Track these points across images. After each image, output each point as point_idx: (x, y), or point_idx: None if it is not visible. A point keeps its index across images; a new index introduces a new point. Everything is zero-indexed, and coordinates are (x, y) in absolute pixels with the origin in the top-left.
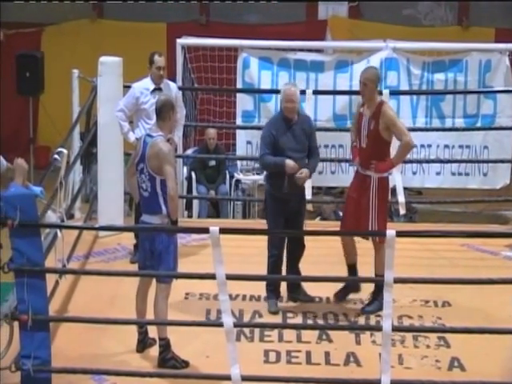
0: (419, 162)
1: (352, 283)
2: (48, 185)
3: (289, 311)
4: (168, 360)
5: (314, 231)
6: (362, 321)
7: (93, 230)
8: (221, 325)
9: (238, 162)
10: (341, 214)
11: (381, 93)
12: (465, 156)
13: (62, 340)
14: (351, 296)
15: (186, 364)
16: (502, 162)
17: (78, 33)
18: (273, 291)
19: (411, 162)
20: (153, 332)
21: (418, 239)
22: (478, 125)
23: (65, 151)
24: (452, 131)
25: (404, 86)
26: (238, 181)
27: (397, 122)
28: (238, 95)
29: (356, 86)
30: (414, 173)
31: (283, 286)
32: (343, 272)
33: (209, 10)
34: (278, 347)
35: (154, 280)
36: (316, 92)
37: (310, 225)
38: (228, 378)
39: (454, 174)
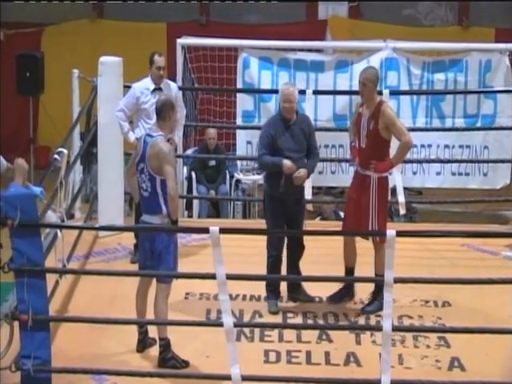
0: (419, 161)
1: (346, 288)
2: (48, 185)
3: (289, 311)
4: (168, 360)
5: (314, 231)
6: (362, 321)
7: (93, 230)
8: (221, 325)
9: (238, 162)
10: (341, 213)
11: (381, 93)
12: (465, 156)
13: (62, 340)
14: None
15: (186, 364)
16: (502, 161)
17: (78, 33)
18: (272, 291)
19: (411, 162)
20: (153, 332)
21: (418, 239)
22: (478, 125)
23: (65, 151)
24: (452, 131)
25: (404, 86)
26: (238, 181)
27: (396, 122)
28: (238, 95)
29: (356, 86)
30: (414, 173)
31: (283, 285)
32: (343, 272)
33: (209, 10)
34: (278, 347)
35: (155, 280)
36: (316, 92)
37: (310, 225)
38: (228, 377)
39: (454, 174)
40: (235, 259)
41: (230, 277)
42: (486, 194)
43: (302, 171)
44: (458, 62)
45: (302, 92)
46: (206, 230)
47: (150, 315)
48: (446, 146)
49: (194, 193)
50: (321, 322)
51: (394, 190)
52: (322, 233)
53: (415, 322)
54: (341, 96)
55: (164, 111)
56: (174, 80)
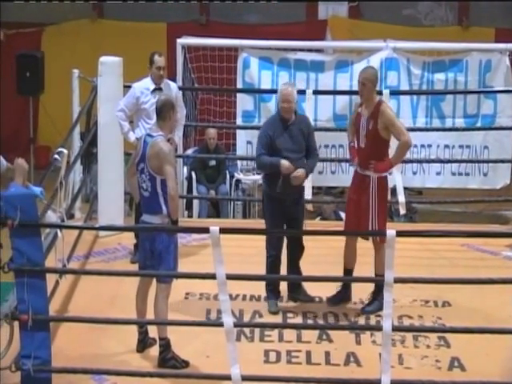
0: (419, 161)
1: (344, 292)
2: (48, 185)
3: (289, 311)
4: (168, 360)
5: (314, 231)
6: (362, 321)
7: (93, 230)
8: (221, 325)
9: (238, 162)
10: (341, 213)
11: (380, 93)
12: (465, 156)
13: (62, 340)
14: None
15: (186, 364)
16: (502, 161)
17: (78, 33)
18: (272, 291)
19: (411, 161)
20: (153, 332)
21: (418, 239)
22: (478, 125)
23: (65, 151)
24: (452, 131)
25: (404, 86)
26: (238, 181)
27: (395, 122)
28: (238, 95)
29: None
30: (415, 173)
31: (283, 285)
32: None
33: (209, 10)
34: (278, 347)
35: (155, 280)
36: (316, 92)
37: (310, 225)
38: (228, 377)
39: (454, 173)
40: (235, 259)
41: (229, 277)
42: (486, 194)
43: (300, 171)
44: (458, 61)
45: (302, 92)
46: (206, 230)
47: (150, 315)
48: (446, 146)
49: (194, 193)
50: (321, 322)
51: (394, 190)
52: (322, 233)
53: (415, 322)
54: (341, 96)
55: (164, 111)
56: (174, 80)
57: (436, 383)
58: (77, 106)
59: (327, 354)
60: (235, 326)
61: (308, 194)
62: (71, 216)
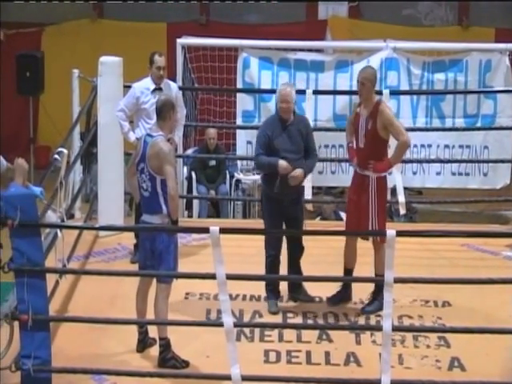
0: (419, 161)
1: (344, 292)
2: (48, 185)
3: (289, 311)
4: (168, 360)
5: (314, 231)
6: (362, 321)
7: (93, 230)
8: (221, 325)
9: (238, 162)
10: (341, 213)
11: (380, 93)
12: (465, 156)
13: (62, 340)
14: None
15: (186, 364)
16: (503, 161)
17: (78, 33)
18: (272, 291)
19: (411, 161)
20: (153, 332)
21: (418, 239)
22: (478, 125)
23: (65, 151)
24: (452, 131)
25: (404, 86)
26: (238, 181)
27: (394, 122)
28: (238, 95)
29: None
30: (415, 173)
31: (283, 285)
32: (343, 272)
33: (209, 10)
34: (278, 347)
35: (155, 280)
36: (316, 92)
37: (310, 225)
38: (228, 377)
39: (454, 173)
40: (235, 259)
41: (229, 277)
42: (486, 194)
43: (298, 171)
44: (458, 62)
45: (302, 92)
46: (206, 230)
47: (150, 315)
48: (446, 146)
49: (194, 193)
50: (321, 322)
51: (394, 190)
52: (322, 233)
53: (415, 322)
54: (341, 96)
55: (164, 111)
56: (174, 80)
57: (436, 383)
58: (77, 106)
59: (327, 354)
60: (235, 326)
61: (308, 194)
62: (71, 216)
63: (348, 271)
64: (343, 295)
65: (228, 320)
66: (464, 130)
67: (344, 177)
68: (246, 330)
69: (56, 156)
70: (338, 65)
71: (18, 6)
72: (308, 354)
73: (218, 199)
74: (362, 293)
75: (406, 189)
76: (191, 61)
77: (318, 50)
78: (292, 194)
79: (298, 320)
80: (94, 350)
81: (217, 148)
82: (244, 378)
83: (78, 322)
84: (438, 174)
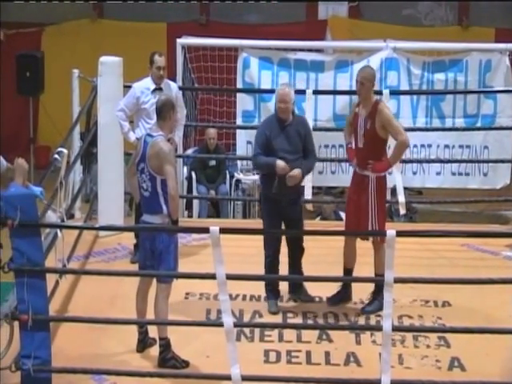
0: (419, 161)
1: (344, 292)
2: (48, 185)
3: (289, 311)
4: (168, 360)
5: (314, 231)
6: (362, 321)
7: (93, 230)
8: (221, 325)
9: (238, 162)
10: (341, 213)
11: (380, 93)
12: (465, 156)
13: (62, 340)
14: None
15: (186, 364)
16: (503, 161)
17: (78, 33)
18: (272, 291)
19: (411, 161)
20: (153, 332)
21: (418, 239)
22: (478, 125)
23: (65, 151)
24: (452, 131)
25: (404, 86)
26: (238, 181)
27: (393, 121)
28: (238, 95)
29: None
30: (415, 173)
31: (282, 285)
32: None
33: (209, 10)
34: (278, 347)
35: (155, 280)
36: (316, 92)
37: (310, 225)
38: (228, 377)
39: (454, 173)
40: (235, 259)
41: (229, 277)
42: (486, 194)
43: (296, 171)
44: (458, 61)
45: (302, 92)
46: (206, 230)
47: (150, 315)
48: (446, 146)
49: (194, 193)
50: (321, 321)
51: (394, 190)
52: (322, 233)
53: (415, 322)
54: (341, 96)
55: (164, 111)
56: (173, 80)
57: (436, 383)
58: (77, 106)
59: (327, 354)
60: (235, 326)
61: (308, 194)
62: (71, 216)
63: (348, 271)
64: (343, 295)
65: (228, 320)
66: (464, 129)
67: (344, 177)
68: (246, 330)
69: (56, 156)
70: (338, 65)
71: (18, 5)
72: (308, 354)
73: (218, 199)
74: (361, 293)
75: (406, 189)
76: (191, 61)
77: (318, 50)
78: (290, 194)
79: (298, 320)
80: (94, 350)
81: (217, 148)
82: (244, 378)
83: (78, 321)
84: (438, 174)
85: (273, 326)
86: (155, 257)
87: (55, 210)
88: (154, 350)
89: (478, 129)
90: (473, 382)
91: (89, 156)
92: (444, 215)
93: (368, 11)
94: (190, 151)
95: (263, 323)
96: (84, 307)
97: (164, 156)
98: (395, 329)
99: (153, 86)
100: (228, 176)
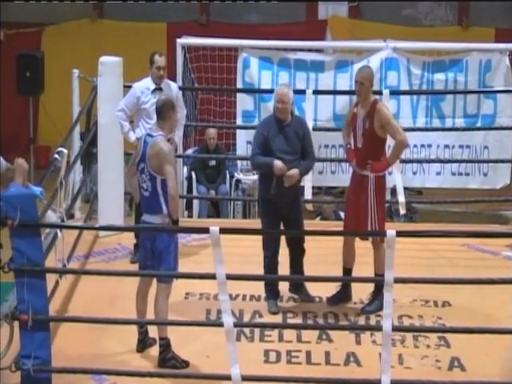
0: (419, 161)
1: (344, 292)
2: (48, 185)
3: (289, 311)
4: (168, 360)
5: (314, 231)
6: (362, 321)
7: (93, 230)
8: (221, 325)
9: (238, 162)
10: (341, 213)
11: (380, 93)
12: (465, 156)
13: (62, 340)
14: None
15: (186, 364)
16: (503, 161)
17: (78, 33)
18: (271, 291)
19: (411, 161)
20: (153, 332)
21: (418, 239)
22: (478, 125)
23: (65, 151)
24: (452, 131)
25: (404, 86)
26: (238, 181)
27: (391, 121)
28: (238, 95)
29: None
30: (415, 173)
31: (282, 285)
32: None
33: (209, 10)
34: (278, 347)
35: (155, 280)
36: (316, 92)
37: (310, 225)
38: (228, 377)
39: (454, 173)
40: (235, 259)
41: (229, 277)
42: (486, 194)
43: (293, 171)
44: (458, 61)
45: (302, 92)
46: (206, 230)
47: (150, 315)
48: (446, 146)
49: (194, 193)
50: (321, 322)
51: (394, 190)
52: (322, 233)
53: (415, 322)
54: (341, 96)
55: (164, 111)
56: (174, 80)
57: (436, 383)
58: (77, 106)
59: (327, 354)
60: (235, 326)
61: (308, 194)
62: (71, 216)
63: (347, 271)
64: (343, 295)
65: (228, 320)
66: (464, 129)
67: (344, 177)
68: (246, 330)
69: (56, 156)
70: (338, 65)
71: (18, 5)
72: (308, 354)
73: (218, 199)
74: (361, 293)
75: (406, 189)
76: (191, 61)
77: (318, 50)
78: (289, 195)
79: (298, 320)
80: (94, 350)
81: (217, 148)
82: (244, 378)
83: (78, 321)
84: (438, 174)
85: (273, 326)
86: (155, 257)
87: (55, 209)
88: (154, 350)
89: (478, 129)
90: (473, 382)
91: (89, 156)
92: (444, 215)
93: (368, 11)
94: (190, 151)
95: (263, 323)
96: (84, 307)
97: (164, 156)
98: (395, 329)
99: (153, 86)
100: (228, 176)
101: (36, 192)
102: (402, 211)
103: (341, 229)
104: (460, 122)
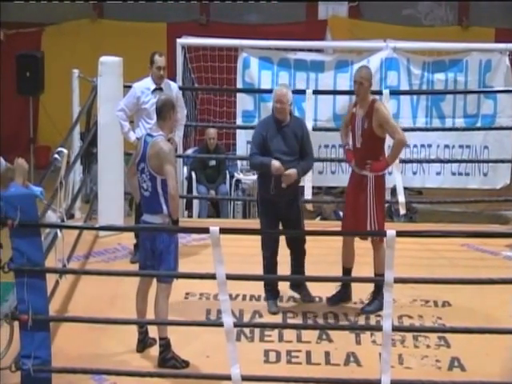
0: (419, 161)
1: (344, 292)
2: (48, 185)
3: (289, 311)
4: (168, 360)
5: (314, 231)
6: (362, 321)
7: (93, 230)
8: (221, 325)
9: (238, 162)
10: (341, 213)
11: (380, 93)
12: (465, 156)
13: (62, 340)
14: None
15: (186, 364)
16: (503, 161)
17: (78, 33)
18: (271, 291)
19: (411, 161)
20: (153, 332)
21: (418, 239)
22: (478, 125)
23: (65, 151)
24: (452, 131)
25: (404, 86)
26: (238, 181)
27: (390, 120)
28: (238, 95)
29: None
30: (415, 173)
31: (282, 285)
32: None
33: (209, 10)
34: (278, 347)
35: (155, 280)
36: (316, 92)
37: (310, 225)
38: (228, 377)
39: (454, 173)
40: (235, 259)
41: (229, 277)
42: (486, 194)
43: (291, 171)
44: (458, 61)
45: (302, 92)
46: (206, 230)
47: (150, 315)
48: (446, 146)
49: (194, 193)
50: (321, 322)
51: (394, 190)
52: (321, 233)
53: (415, 322)
54: (341, 96)
55: (164, 111)
56: (174, 80)
57: (436, 383)
58: (77, 106)
59: (327, 354)
60: (235, 326)
61: (308, 194)
62: (71, 216)
63: (346, 271)
64: (343, 295)
65: (228, 320)
66: (464, 129)
67: (344, 177)
68: (246, 330)
69: (56, 156)
70: (338, 65)
71: (18, 5)
72: (308, 354)
73: (218, 199)
74: (361, 293)
75: (406, 189)
76: (191, 61)
77: (318, 50)
78: (288, 195)
79: (298, 320)
80: (94, 350)
81: (217, 148)
82: (244, 378)
83: (78, 321)
84: (438, 174)
85: (273, 326)
86: (155, 257)
87: (55, 209)
88: (154, 350)
89: (478, 129)
90: (473, 382)
91: (89, 156)
92: (444, 215)
93: (368, 11)
94: (190, 151)
95: (263, 323)
96: (84, 307)
97: (164, 156)
98: (395, 329)
99: (153, 86)
100: (228, 176)
101: (36, 192)
102: (402, 211)
103: (340, 229)
104: (460, 122)
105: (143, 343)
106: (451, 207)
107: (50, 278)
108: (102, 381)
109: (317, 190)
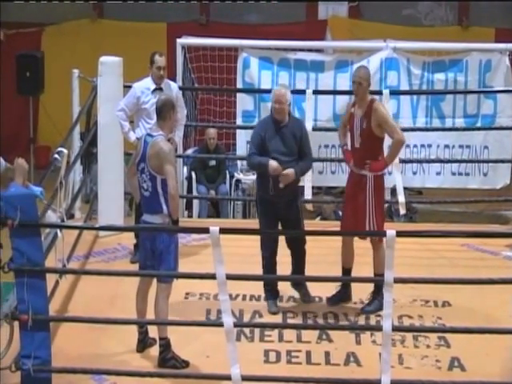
0: (419, 161)
1: (344, 292)
2: (48, 185)
3: (289, 311)
4: (168, 360)
5: (314, 231)
6: (362, 321)
7: (93, 230)
8: (221, 325)
9: (238, 162)
10: (341, 213)
11: (380, 93)
12: (465, 156)
13: (62, 340)
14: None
15: (186, 364)
16: (503, 161)
17: (78, 33)
18: (270, 291)
19: (411, 161)
20: (153, 332)
21: (418, 239)
22: (478, 125)
23: (65, 151)
24: (452, 131)
25: (404, 86)
26: (238, 181)
27: (388, 120)
28: (238, 95)
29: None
30: (415, 173)
31: (282, 285)
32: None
33: (209, 10)
34: (278, 347)
35: (155, 280)
36: (316, 92)
37: (310, 225)
38: (228, 377)
39: (454, 173)
40: (235, 259)
41: (229, 277)
42: (486, 194)
43: (289, 171)
44: (458, 62)
45: (302, 92)
46: (206, 230)
47: (150, 315)
48: (446, 146)
49: (194, 193)
50: (321, 322)
51: (394, 190)
52: (321, 233)
53: (415, 322)
54: (341, 96)
55: (164, 111)
56: (174, 80)
57: (436, 383)
58: (77, 106)
59: (327, 354)
60: (235, 326)
61: (308, 194)
62: (71, 216)
63: (346, 271)
64: (343, 295)
65: (228, 320)
66: (464, 129)
67: (344, 177)
68: (246, 330)
69: (56, 156)
70: (337, 65)
71: (18, 5)
72: (308, 354)
73: (218, 199)
74: (361, 293)
75: (406, 189)
76: (191, 61)
77: (318, 50)
78: (287, 195)
79: (298, 320)
80: (94, 350)
81: (217, 148)
82: (244, 378)
83: (78, 321)
84: (438, 174)
85: (273, 326)
86: (155, 257)
87: (55, 209)
88: (154, 350)
89: (478, 129)
90: (473, 382)
91: (89, 156)
92: (444, 215)
93: (368, 11)
94: (190, 151)
95: (263, 323)
96: (84, 307)
97: (164, 156)
98: (395, 329)
99: (153, 86)
100: (228, 176)
101: (36, 192)
102: (402, 211)
103: (339, 228)
104: (460, 122)
105: (143, 343)
106: (451, 207)
107: (50, 278)
108: (102, 381)
109: (317, 190)
